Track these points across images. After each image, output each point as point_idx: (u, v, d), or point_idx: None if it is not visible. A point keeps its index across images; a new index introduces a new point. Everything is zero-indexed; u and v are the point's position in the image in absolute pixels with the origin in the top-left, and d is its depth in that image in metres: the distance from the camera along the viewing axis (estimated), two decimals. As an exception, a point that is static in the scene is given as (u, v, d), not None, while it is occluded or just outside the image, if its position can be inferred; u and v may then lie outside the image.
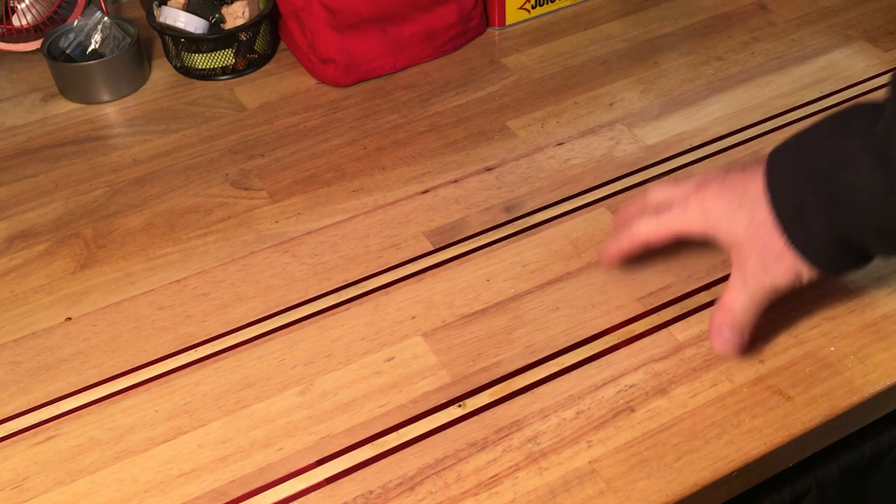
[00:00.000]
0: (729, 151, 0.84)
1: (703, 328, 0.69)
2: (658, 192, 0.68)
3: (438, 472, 0.61)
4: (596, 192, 0.81)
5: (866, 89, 0.91)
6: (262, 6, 0.99)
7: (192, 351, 0.70)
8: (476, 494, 0.59)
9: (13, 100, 0.96)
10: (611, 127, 0.88)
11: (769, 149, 0.61)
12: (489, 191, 0.82)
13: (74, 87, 0.95)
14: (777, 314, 0.69)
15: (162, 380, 0.68)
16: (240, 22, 0.97)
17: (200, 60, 0.96)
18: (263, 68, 0.99)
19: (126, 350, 0.70)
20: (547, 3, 1.04)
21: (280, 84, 0.97)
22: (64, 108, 0.95)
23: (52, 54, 0.95)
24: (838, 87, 0.91)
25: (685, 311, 0.70)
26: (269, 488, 0.61)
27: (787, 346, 0.67)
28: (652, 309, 0.70)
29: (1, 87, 0.98)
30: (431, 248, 0.77)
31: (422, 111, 0.92)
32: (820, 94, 0.90)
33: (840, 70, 0.93)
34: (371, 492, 0.60)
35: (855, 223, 0.56)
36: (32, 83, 0.98)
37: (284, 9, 0.96)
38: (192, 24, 0.95)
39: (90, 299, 0.74)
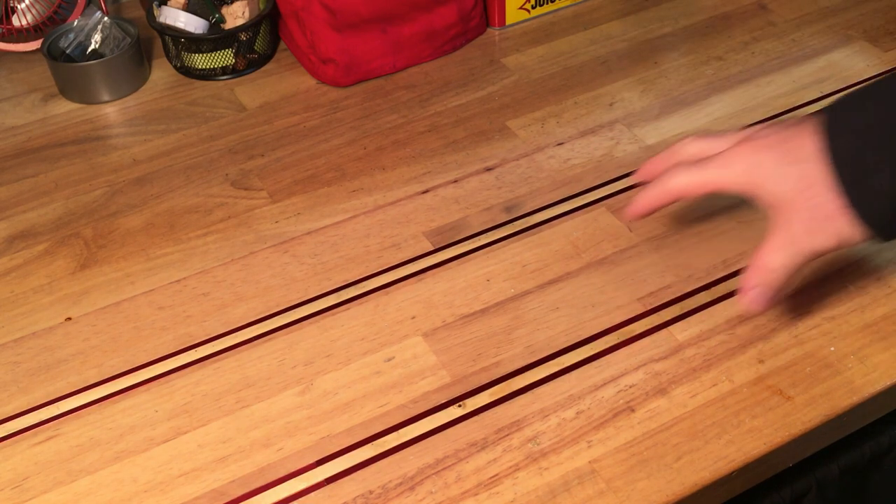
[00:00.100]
0: (729, 151, 0.84)
1: (703, 328, 0.69)
2: (692, 145, 0.65)
3: (438, 472, 0.61)
4: (596, 192, 0.81)
5: (866, 89, 0.91)
6: (262, 6, 0.99)
7: (192, 351, 0.70)
8: (476, 494, 0.59)
9: (13, 100, 0.96)
10: (611, 127, 0.88)
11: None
12: (489, 191, 0.82)
13: (74, 87, 0.95)
14: (777, 314, 0.69)
15: (162, 380, 0.68)
16: (240, 22, 0.97)
17: (200, 60, 0.96)
18: (263, 68, 0.99)
19: (126, 350, 0.70)
20: (547, 3, 1.04)
21: (280, 84, 0.97)
22: (64, 108, 0.95)
23: (52, 54, 0.95)
24: (838, 87, 0.91)
25: (685, 311, 0.70)
26: (269, 488, 0.61)
27: (787, 346, 0.67)
28: (652, 309, 0.70)
29: (1, 87, 0.98)
30: (431, 248, 0.77)
31: (422, 111, 0.92)
32: (820, 94, 0.90)
33: (840, 70, 0.93)
34: (371, 492, 0.60)
35: None
36: (32, 83, 0.98)
37: (284, 9, 0.96)
38: (192, 24, 0.95)
39: (90, 299, 0.74)
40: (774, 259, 0.59)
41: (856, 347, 0.67)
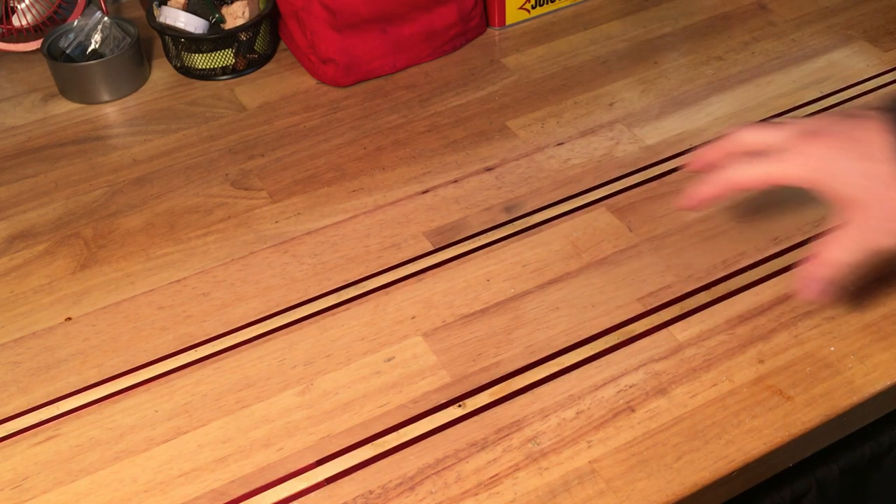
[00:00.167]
0: (729, 151, 0.84)
1: (703, 328, 0.69)
2: (751, 135, 0.63)
3: (438, 472, 0.61)
4: (596, 192, 0.81)
5: (867, 89, 0.91)
6: (262, 6, 0.99)
7: (192, 351, 0.70)
8: (476, 494, 0.59)
9: (13, 100, 0.96)
10: (611, 127, 0.88)
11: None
12: (489, 191, 0.82)
13: (74, 87, 0.95)
14: (777, 314, 0.69)
15: (162, 380, 0.68)
16: (240, 22, 0.97)
17: (200, 60, 0.96)
18: (263, 68, 0.99)
19: (126, 350, 0.70)
20: (547, 3, 1.04)
21: (280, 84, 0.97)
22: (64, 108, 0.95)
23: (52, 54, 0.95)
24: (838, 87, 0.91)
25: (685, 311, 0.70)
26: (269, 488, 0.61)
27: (787, 346, 0.67)
28: (652, 309, 0.70)
29: (1, 87, 0.98)
30: (431, 248, 0.77)
31: (422, 111, 0.92)
32: (820, 94, 0.90)
33: (840, 70, 0.93)
34: (371, 492, 0.60)
35: None
36: (32, 83, 0.98)
37: (284, 9, 0.96)
38: (192, 24, 0.95)
39: (90, 299, 0.74)
40: (840, 254, 0.59)
41: (856, 347, 0.67)
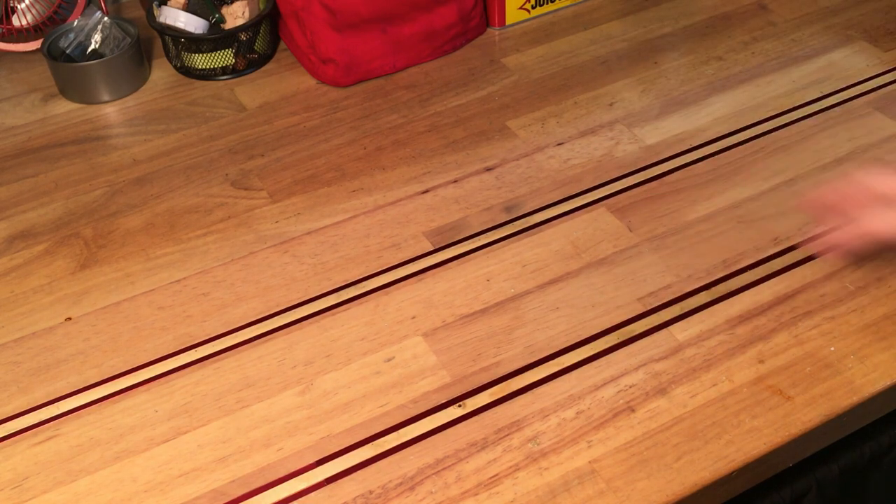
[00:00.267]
0: (729, 151, 0.84)
1: (703, 328, 0.69)
2: (878, 180, 0.60)
3: (438, 472, 0.61)
4: (596, 192, 0.81)
5: (866, 89, 0.91)
6: (262, 6, 0.99)
7: (192, 351, 0.70)
8: (476, 494, 0.59)
9: (13, 100, 0.96)
10: (611, 127, 0.88)
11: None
12: (489, 191, 0.82)
13: (74, 87, 0.95)
14: (777, 314, 0.69)
15: (162, 380, 0.68)
16: (240, 22, 0.97)
17: (200, 60, 0.96)
18: (263, 68, 0.99)
19: (126, 350, 0.70)
20: (547, 3, 1.04)
21: (280, 84, 0.97)
22: (64, 108, 0.95)
23: (52, 54, 0.95)
24: (838, 87, 0.91)
25: (685, 311, 0.70)
26: (269, 488, 0.61)
27: (787, 346, 0.67)
28: (652, 309, 0.70)
29: (1, 87, 0.98)
30: (431, 248, 0.77)
31: (422, 111, 0.92)
32: (820, 94, 0.90)
33: (840, 70, 0.93)
34: (371, 492, 0.60)
35: None
36: (32, 83, 0.98)
37: (284, 9, 0.96)
38: (192, 24, 0.95)
39: (90, 299, 0.74)
40: None
41: (856, 347, 0.67)
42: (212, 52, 0.95)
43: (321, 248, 0.77)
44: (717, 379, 0.65)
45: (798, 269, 0.73)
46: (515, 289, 0.73)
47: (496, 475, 0.60)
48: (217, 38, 0.94)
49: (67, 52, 0.96)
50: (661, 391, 0.65)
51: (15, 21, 1.00)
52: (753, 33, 1.00)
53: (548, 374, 0.66)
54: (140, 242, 0.79)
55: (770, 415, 0.63)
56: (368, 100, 0.94)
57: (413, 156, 0.86)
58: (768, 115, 0.88)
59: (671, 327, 0.69)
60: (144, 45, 1.00)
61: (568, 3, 1.05)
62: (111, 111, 0.94)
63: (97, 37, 0.96)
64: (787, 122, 0.87)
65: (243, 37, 0.96)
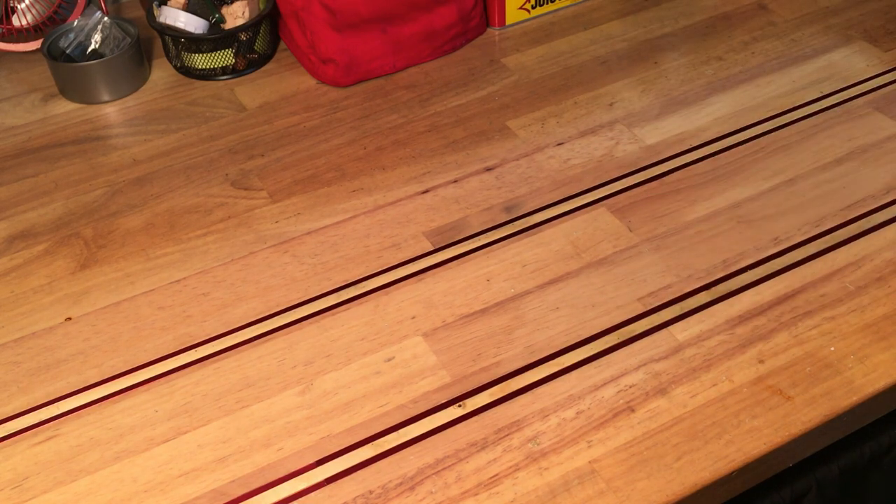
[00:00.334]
0: (729, 151, 0.84)
1: (703, 328, 0.69)
2: None
3: (438, 472, 0.61)
4: (596, 192, 0.81)
5: (866, 89, 0.91)
6: (262, 6, 0.99)
7: (192, 351, 0.70)
8: (476, 494, 0.59)
9: (13, 100, 0.96)
10: (611, 127, 0.88)
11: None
12: (489, 191, 0.82)
13: (74, 87, 0.95)
14: (777, 314, 0.69)
15: (162, 380, 0.68)
16: (240, 22, 0.97)
17: (200, 60, 0.96)
18: (263, 68, 0.99)
19: (126, 350, 0.70)
20: (547, 3, 1.04)
21: (280, 84, 0.97)
22: (64, 108, 0.95)
23: (52, 54, 0.95)
24: (838, 87, 0.91)
25: (685, 311, 0.70)
26: (269, 488, 0.61)
27: (787, 346, 0.67)
28: (652, 309, 0.70)
29: (1, 87, 0.98)
30: (431, 248, 0.77)
31: (422, 111, 0.92)
32: (820, 94, 0.90)
33: (840, 70, 0.93)
34: (371, 492, 0.60)
35: None
36: (32, 83, 0.98)
37: (284, 9, 0.96)
38: (192, 24, 0.95)
39: (90, 299, 0.74)
40: None
41: (856, 347, 0.67)
42: (212, 52, 0.95)
43: (321, 248, 0.77)
44: (717, 379, 0.65)
45: (798, 269, 0.73)
46: (515, 289, 0.73)
47: (496, 475, 0.60)
48: (217, 38, 0.94)
49: (67, 52, 0.96)
50: (661, 391, 0.65)
51: (15, 21, 1.00)
52: (753, 33, 1.00)
53: (548, 374, 0.66)
54: (140, 242, 0.79)
55: (770, 415, 0.63)
56: (368, 100, 0.94)
57: (413, 156, 0.86)
58: (768, 115, 0.88)
59: (671, 327, 0.69)
60: (144, 45, 1.00)
61: (568, 3, 1.05)
62: (111, 111, 0.94)
63: (97, 37, 0.96)
64: (787, 122, 0.87)
65: (243, 37, 0.96)
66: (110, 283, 0.75)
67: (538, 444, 0.62)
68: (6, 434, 0.65)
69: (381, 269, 0.75)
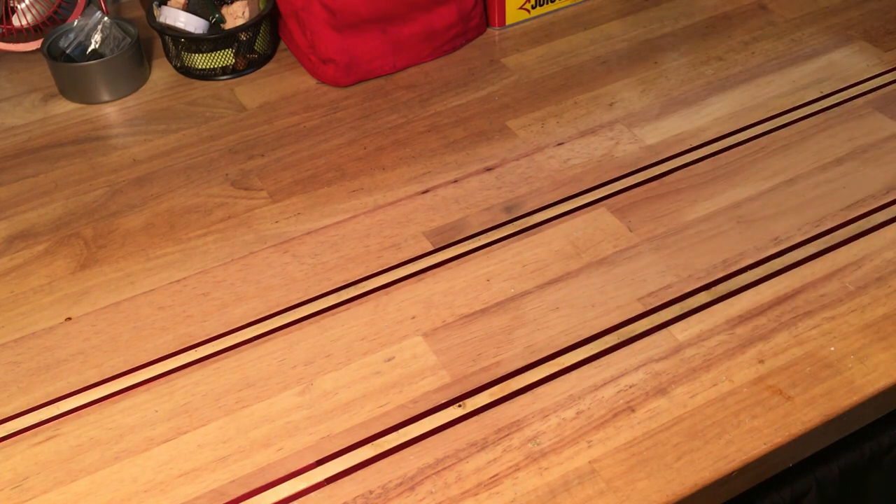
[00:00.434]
0: (729, 151, 0.84)
1: (703, 328, 0.69)
2: None
3: (438, 472, 0.61)
4: (596, 192, 0.81)
5: (866, 89, 0.91)
6: (262, 6, 0.99)
7: (192, 351, 0.70)
8: (476, 494, 0.59)
9: (13, 100, 0.96)
10: (611, 127, 0.88)
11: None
12: (489, 191, 0.82)
13: (74, 87, 0.95)
14: (777, 314, 0.69)
15: (162, 380, 0.68)
16: (240, 22, 0.97)
17: (200, 60, 0.96)
18: (263, 68, 0.99)
19: (126, 350, 0.70)
20: (547, 3, 1.04)
21: (280, 84, 0.97)
22: (64, 108, 0.95)
23: (52, 54, 0.95)
24: (838, 87, 0.91)
25: (685, 311, 0.70)
26: (269, 488, 0.61)
27: (787, 346, 0.67)
28: (652, 309, 0.70)
29: (1, 87, 0.98)
30: (431, 248, 0.77)
31: (422, 111, 0.92)
32: (820, 94, 0.90)
33: (840, 70, 0.93)
34: (371, 492, 0.60)
35: None
36: (32, 83, 0.98)
37: (284, 9, 0.96)
38: (192, 24, 0.95)
39: (90, 299, 0.74)
40: None
41: (856, 347, 0.67)
42: (212, 52, 0.95)
43: (321, 248, 0.77)
44: (717, 379, 0.65)
45: (798, 269, 0.73)
46: (515, 289, 0.73)
47: (496, 475, 0.60)
48: (217, 38, 0.94)
49: (67, 52, 0.96)
50: (661, 391, 0.65)
51: (15, 21, 1.00)
52: (753, 33, 1.00)
53: (548, 374, 0.66)
54: (140, 242, 0.79)
55: (770, 415, 0.63)
56: (368, 100, 0.94)
57: (413, 156, 0.86)
58: (768, 115, 0.88)
59: (671, 327, 0.69)
60: (144, 45, 1.00)
61: (568, 3, 1.05)
62: (111, 111, 0.94)
63: (97, 37, 0.96)
64: (787, 122, 0.87)
65: (243, 37, 0.96)
66: (110, 283, 0.75)
67: (538, 444, 0.62)
68: (6, 434, 0.65)
69: (381, 269, 0.75)
